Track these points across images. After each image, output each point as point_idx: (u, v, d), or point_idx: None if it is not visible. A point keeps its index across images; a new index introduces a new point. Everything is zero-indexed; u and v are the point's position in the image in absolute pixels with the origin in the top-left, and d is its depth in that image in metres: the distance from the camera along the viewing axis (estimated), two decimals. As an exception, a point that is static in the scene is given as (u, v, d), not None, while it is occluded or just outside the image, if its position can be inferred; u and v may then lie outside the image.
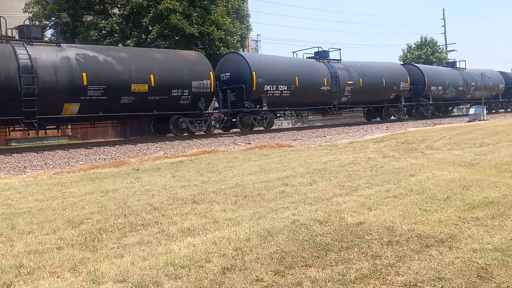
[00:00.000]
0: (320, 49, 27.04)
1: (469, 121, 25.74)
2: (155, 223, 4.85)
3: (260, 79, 21.62)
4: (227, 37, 27.24)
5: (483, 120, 25.91)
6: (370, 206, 5.15)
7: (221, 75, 22.49)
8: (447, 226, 4.23)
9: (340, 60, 27.39)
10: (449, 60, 44.07)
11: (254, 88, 21.47)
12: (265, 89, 21.97)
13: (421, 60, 50.85)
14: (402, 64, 33.75)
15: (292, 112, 26.82)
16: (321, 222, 4.54)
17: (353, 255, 3.56)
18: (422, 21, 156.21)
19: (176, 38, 25.96)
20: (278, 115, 26.42)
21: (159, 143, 17.11)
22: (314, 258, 3.53)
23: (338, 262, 3.44)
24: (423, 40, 55.71)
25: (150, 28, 26.19)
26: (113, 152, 14.32)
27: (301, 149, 12.70)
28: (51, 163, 12.04)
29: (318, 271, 3.25)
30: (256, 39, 55.84)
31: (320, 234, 4.15)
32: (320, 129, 24.19)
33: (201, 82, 19.72)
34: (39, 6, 26.92)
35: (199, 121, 20.08)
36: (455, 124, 23.18)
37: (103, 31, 26.22)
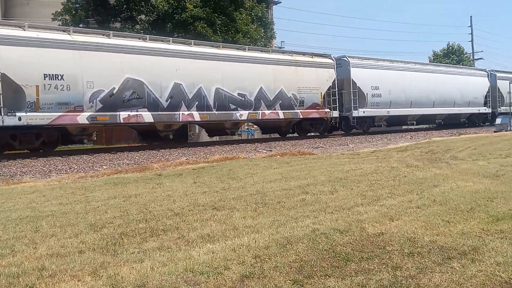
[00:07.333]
0: None
1: (495, 131, 25.25)
2: (175, 228, 4.89)
3: None
4: (251, 45, 27.40)
5: (510, 130, 25.39)
6: (392, 216, 5.09)
7: None
8: (470, 238, 4.15)
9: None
10: None
11: None
12: None
13: None
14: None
15: None
16: (342, 231, 4.50)
17: (374, 266, 3.52)
18: (449, 29, 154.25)
19: None
20: None
21: (181, 149, 17.29)
22: (333, 268, 3.50)
23: (358, 272, 3.40)
24: (450, 48, 54.93)
25: (176, 35, 26.58)
26: (137, 157, 14.48)
27: (322, 157, 12.64)
28: (76, 167, 12.24)
29: (337, 281, 3.23)
30: (280, 46, 55.87)
31: (340, 244, 4.12)
32: (343, 137, 24.02)
33: None
34: (68, 15, 27.43)
35: None
36: (481, 134, 22.76)
37: None
